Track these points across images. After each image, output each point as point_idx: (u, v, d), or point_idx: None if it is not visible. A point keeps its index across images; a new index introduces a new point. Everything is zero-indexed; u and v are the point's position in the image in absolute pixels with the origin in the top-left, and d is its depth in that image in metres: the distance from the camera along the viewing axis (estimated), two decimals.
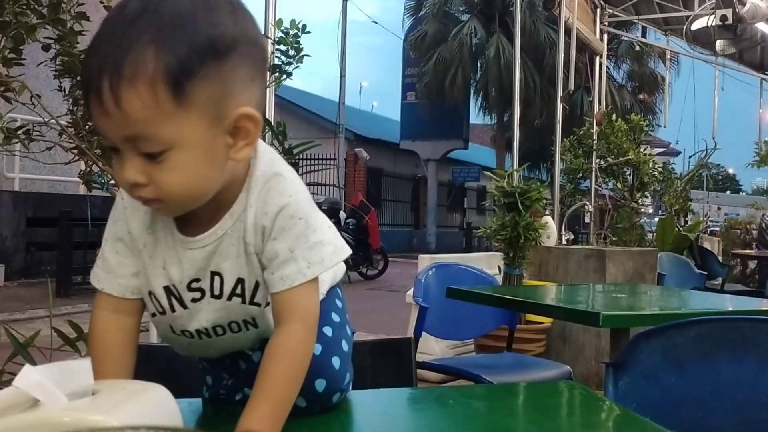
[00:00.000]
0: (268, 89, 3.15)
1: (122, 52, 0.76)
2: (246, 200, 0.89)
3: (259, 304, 0.94)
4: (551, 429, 1.03)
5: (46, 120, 2.63)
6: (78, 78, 2.70)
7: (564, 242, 6.35)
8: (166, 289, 0.93)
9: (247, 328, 0.96)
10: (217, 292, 0.92)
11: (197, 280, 0.93)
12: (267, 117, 2.85)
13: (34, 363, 1.09)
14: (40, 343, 1.92)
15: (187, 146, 0.79)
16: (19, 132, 2.33)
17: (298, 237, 0.88)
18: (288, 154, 2.67)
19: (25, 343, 1.81)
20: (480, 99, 24.79)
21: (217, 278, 0.91)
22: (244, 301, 0.93)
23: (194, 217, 0.89)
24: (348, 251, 0.95)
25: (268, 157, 0.92)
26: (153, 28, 0.76)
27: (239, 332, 0.96)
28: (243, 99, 0.83)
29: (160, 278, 0.93)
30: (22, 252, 8.92)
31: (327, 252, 0.91)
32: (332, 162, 18.33)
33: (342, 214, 13.12)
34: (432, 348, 4.54)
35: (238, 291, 0.92)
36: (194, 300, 0.94)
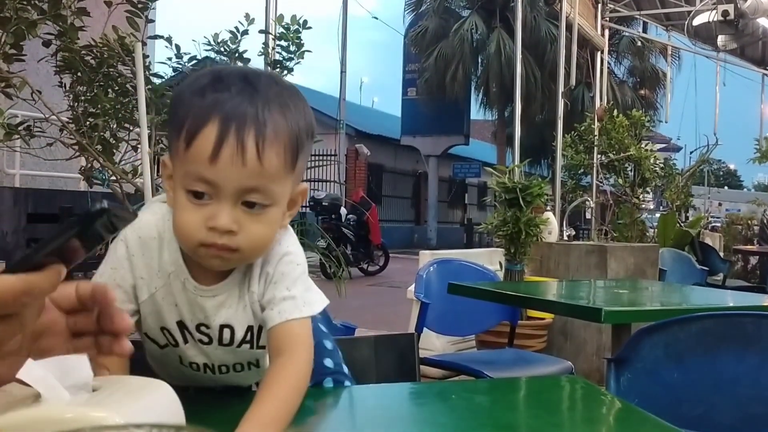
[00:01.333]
0: None
1: (266, 119, 0.88)
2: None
3: (264, 347, 1.02)
4: (554, 423, 1.03)
5: (46, 116, 2.63)
6: (78, 74, 2.70)
7: (565, 238, 6.34)
8: (179, 323, 1.01)
9: (250, 368, 1.06)
10: (227, 341, 1.00)
11: (206, 326, 1.01)
12: None
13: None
14: None
15: (280, 205, 0.92)
16: (19, 128, 2.33)
17: (296, 280, 0.99)
18: None
19: None
20: (481, 95, 24.77)
21: (227, 330, 1.00)
22: (252, 347, 1.02)
23: (206, 267, 0.96)
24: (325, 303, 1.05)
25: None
26: (280, 100, 0.91)
27: (242, 372, 1.06)
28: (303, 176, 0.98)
29: (173, 314, 1.01)
30: (23, 248, 8.92)
31: (318, 298, 1.02)
32: (333, 158, 18.31)
33: (343, 210, 13.11)
34: (433, 344, 4.54)
35: (248, 338, 1.01)
36: (202, 342, 1.02)
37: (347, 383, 1.18)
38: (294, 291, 0.97)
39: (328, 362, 1.19)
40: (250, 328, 1.00)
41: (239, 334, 0.99)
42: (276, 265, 0.98)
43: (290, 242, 1.02)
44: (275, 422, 0.85)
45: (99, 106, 2.65)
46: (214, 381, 1.08)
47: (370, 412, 1.07)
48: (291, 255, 1.00)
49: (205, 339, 1.01)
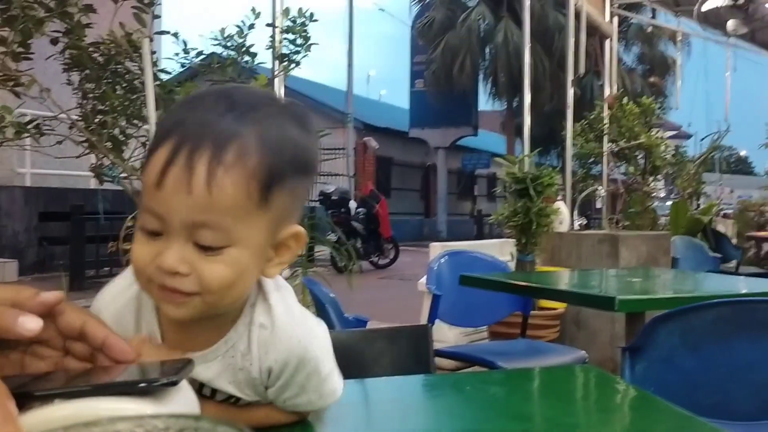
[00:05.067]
0: (276, 79, 3.14)
1: (229, 138, 0.73)
2: (244, 331, 0.84)
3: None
4: (570, 413, 1.02)
5: (55, 114, 2.63)
6: (86, 71, 2.70)
7: (576, 228, 6.32)
8: None
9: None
10: (207, 394, 0.87)
11: None
12: None
13: None
14: None
15: (247, 246, 0.76)
16: (29, 126, 2.33)
17: (309, 375, 0.85)
18: None
19: None
20: (489, 85, 24.70)
21: (206, 389, 0.86)
22: (234, 405, 0.89)
23: (184, 334, 0.83)
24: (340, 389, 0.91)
25: (271, 288, 0.86)
26: (262, 129, 0.76)
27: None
28: (296, 218, 0.82)
29: None
30: (35, 247, 8.98)
31: (337, 380, 0.90)
32: (341, 151, 18.32)
33: (352, 204, 13.12)
34: (445, 335, 4.54)
35: (231, 400, 0.88)
36: None
37: None
38: (308, 387, 0.86)
39: None
40: (232, 397, 0.87)
41: (220, 397, 0.87)
42: (282, 367, 0.83)
43: (287, 316, 0.84)
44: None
45: (107, 103, 2.65)
46: None
47: (384, 404, 1.07)
48: (299, 356, 0.83)
49: None
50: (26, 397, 0.63)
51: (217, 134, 0.73)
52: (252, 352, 0.83)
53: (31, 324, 0.59)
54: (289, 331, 0.83)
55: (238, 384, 0.85)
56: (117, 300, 0.86)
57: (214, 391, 0.86)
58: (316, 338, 0.86)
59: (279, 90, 2.96)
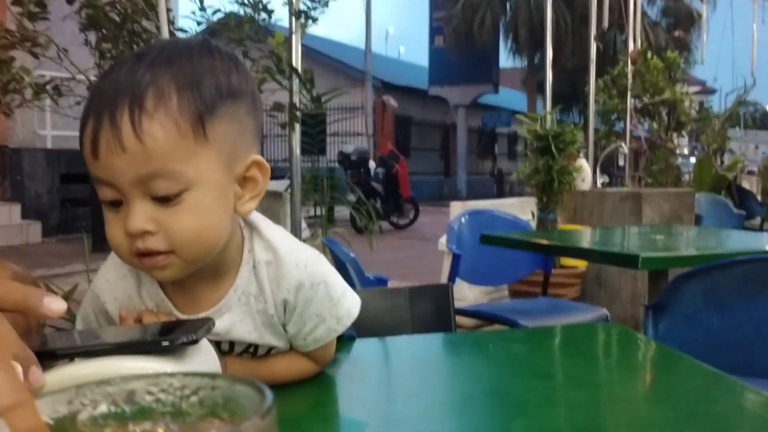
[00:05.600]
0: (294, 36, 3.09)
1: (144, 87, 0.74)
2: (250, 275, 0.85)
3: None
4: (593, 370, 1.01)
5: (74, 74, 2.62)
6: (103, 31, 2.68)
7: (599, 185, 6.25)
8: None
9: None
10: (225, 349, 0.88)
11: None
12: (294, 65, 2.80)
13: (73, 316, 1.10)
14: (78, 297, 1.94)
15: (205, 187, 0.76)
16: (47, 87, 2.33)
17: (322, 300, 0.86)
18: (316, 102, 2.63)
19: (64, 297, 1.84)
20: (510, 41, 24.33)
21: (225, 344, 0.87)
22: (253, 356, 0.90)
23: (192, 294, 0.84)
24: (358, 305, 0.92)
25: (265, 226, 0.87)
26: (174, 68, 0.76)
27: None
28: (253, 149, 0.82)
29: None
30: (58, 209, 9.08)
31: (351, 301, 0.90)
32: (360, 111, 18.21)
33: (371, 164, 13.08)
34: (465, 295, 4.54)
35: (250, 350, 0.89)
36: None
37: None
38: (324, 313, 0.87)
39: None
40: (251, 346, 0.88)
41: (238, 349, 0.88)
42: (295, 294, 0.85)
43: (287, 247, 0.85)
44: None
45: None
46: None
47: (406, 363, 1.06)
48: (307, 278, 0.85)
49: None
50: (47, 356, 0.63)
51: (132, 87, 0.74)
52: (264, 292, 0.85)
53: (56, 305, 0.59)
54: (294, 258, 0.85)
55: (258, 330, 0.86)
56: (112, 280, 0.86)
57: (232, 345, 0.87)
58: (321, 261, 0.87)
59: (296, 46, 2.92)
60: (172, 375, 0.27)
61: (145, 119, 0.72)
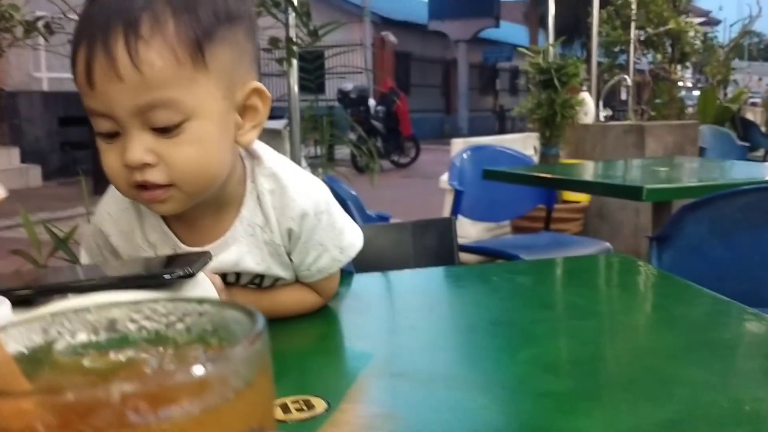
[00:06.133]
0: None
1: (137, 12, 0.70)
2: (255, 205, 0.84)
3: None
4: (598, 299, 1.00)
5: (64, 12, 2.55)
6: None
7: (601, 119, 6.18)
8: None
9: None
10: (231, 280, 0.87)
11: None
12: None
13: (75, 257, 1.09)
14: (79, 238, 1.93)
15: (206, 116, 0.73)
16: (37, 23, 2.27)
17: (325, 229, 0.86)
18: (313, 36, 2.57)
19: (64, 238, 1.83)
20: None
21: (231, 275, 0.86)
22: (259, 287, 0.89)
23: (196, 226, 0.83)
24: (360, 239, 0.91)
25: (267, 155, 0.85)
26: None
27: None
28: (252, 75, 0.79)
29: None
30: (57, 152, 9.04)
31: (355, 233, 0.90)
32: (359, 48, 17.92)
33: (371, 102, 12.94)
34: (468, 231, 4.54)
35: (256, 281, 0.88)
36: None
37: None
38: (327, 242, 0.86)
39: None
40: (258, 276, 0.87)
41: (245, 279, 0.87)
42: (300, 222, 0.83)
43: (290, 176, 0.84)
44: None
45: None
46: None
47: (410, 295, 1.06)
48: (311, 206, 0.84)
49: None
50: (43, 293, 0.62)
51: (125, 13, 0.70)
52: (270, 221, 0.84)
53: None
54: (298, 187, 0.84)
55: (265, 260, 0.85)
56: (114, 213, 0.85)
57: (239, 277, 0.86)
58: (324, 190, 0.87)
59: None
60: (155, 301, 0.25)
61: (141, 46, 0.69)
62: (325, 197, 0.86)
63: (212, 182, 0.77)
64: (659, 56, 7.38)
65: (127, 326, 0.26)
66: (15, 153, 8.52)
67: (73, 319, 0.26)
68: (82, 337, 0.26)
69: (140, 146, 0.71)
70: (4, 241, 5.55)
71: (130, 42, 0.69)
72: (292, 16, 2.57)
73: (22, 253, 1.93)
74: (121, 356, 0.25)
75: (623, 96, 7.94)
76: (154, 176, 0.72)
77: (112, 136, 0.73)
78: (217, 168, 0.76)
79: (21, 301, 0.58)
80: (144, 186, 0.73)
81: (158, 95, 0.70)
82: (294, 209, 0.83)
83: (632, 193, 2.25)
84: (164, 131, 0.71)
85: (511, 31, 27.14)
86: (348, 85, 12.89)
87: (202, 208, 0.80)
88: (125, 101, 0.70)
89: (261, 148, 0.85)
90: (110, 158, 0.74)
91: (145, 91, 0.69)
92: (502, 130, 21.02)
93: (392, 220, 2.93)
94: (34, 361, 0.24)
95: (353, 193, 2.75)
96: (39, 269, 0.66)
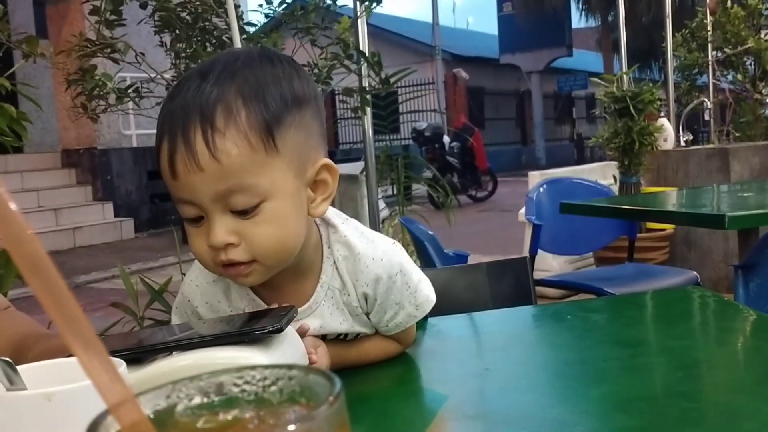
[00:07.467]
0: (360, 20, 3.12)
1: (211, 105, 0.76)
2: (332, 270, 0.89)
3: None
4: (675, 336, 1.00)
5: (152, 76, 2.73)
6: (176, 32, 2.77)
7: (683, 144, 6.04)
8: None
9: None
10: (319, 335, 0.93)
11: None
12: (361, 48, 2.83)
13: (169, 307, 1.17)
14: (173, 288, 2.04)
15: (280, 196, 0.78)
16: (129, 90, 2.43)
17: (400, 289, 0.89)
18: (385, 84, 2.65)
19: (159, 290, 1.94)
20: (580, 1, 23.60)
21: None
22: (343, 341, 0.95)
23: (279, 291, 0.88)
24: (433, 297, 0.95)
25: (340, 222, 0.90)
26: (239, 82, 0.78)
27: None
28: (320, 152, 0.84)
29: None
30: (147, 204, 9.46)
31: (428, 287, 0.93)
32: (431, 86, 18.10)
33: (446, 139, 13.01)
34: (550, 264, 4.50)
35: (340, 337, 0.93)
36: None
37: None
38: (403, 301, 0.90)
39: None
40: (341, 335, 0.92)
41: (330, 337, 0.92)
42: (374, 287, 0.88)
43: (363, 242, 0.88)
44: (344, 363, 0.89)
45: (199, 61, 2.72)
46: None
47: (485, 337, 1.08)
48: (384, 271, 0.88)
49: None
50: (148, 351, 0.69)
51: (200, 106, 0.75)
52: (346, 285, 0.89)
53: None
54: (370, 252, 0.88)
55: (347, 321, 0.90)
56: (201, 285, 0.91)
57: (324, 335, 0.92)
58: (396, 252, 0.90)
59: (362, 30, 2.94)
60: (253, 368, 0.31)
61: (218, 138, 0.75)
62: (399, 259, 0.90)
63: (290, 255, 0.82)
64: (740, 76, 7.16)
65: (232, 390, 0.31)
66: (109, 208, 8.98)
67: (189, 385, 0.31)
68: (197, 400, 0.31)
69: (223, 229, 0.77)
70: (102, 291, 5.84)
71: (207, 134, 0.75)
72: (364, 66, 2.67)
73: (120, 305, 2.05)
74: (229, 416, 0.31)
75: (705, 117, 7.72)
76: (238, 255, 0.78)
77: (198, 220, 0.79)
78: (294, 241, 0.82)
79: (131, 359, 0.64)
80: (228, 264, 0.79)
81: (236, 181, 0.75)
82: (368, 275, 0.88)
83: (714, 221, 2.20)
84: (243, 213, 0.77)
85: (585, 58, 26.86)
86: (422, 124, 13.02)
87: (283, 275, 0.85)
88: (206, 189, 0.76)
89: (333, 215, 0.90)
90: (197, 241, 0.80)
91: (223, 179, 0.75)
92: (581, 159, 20.68)
93: (472, 257, 2.94)
94: (160, 421, 0.30)
95: (430, 233, 2.78)
96: (142, 330, 0.74)
